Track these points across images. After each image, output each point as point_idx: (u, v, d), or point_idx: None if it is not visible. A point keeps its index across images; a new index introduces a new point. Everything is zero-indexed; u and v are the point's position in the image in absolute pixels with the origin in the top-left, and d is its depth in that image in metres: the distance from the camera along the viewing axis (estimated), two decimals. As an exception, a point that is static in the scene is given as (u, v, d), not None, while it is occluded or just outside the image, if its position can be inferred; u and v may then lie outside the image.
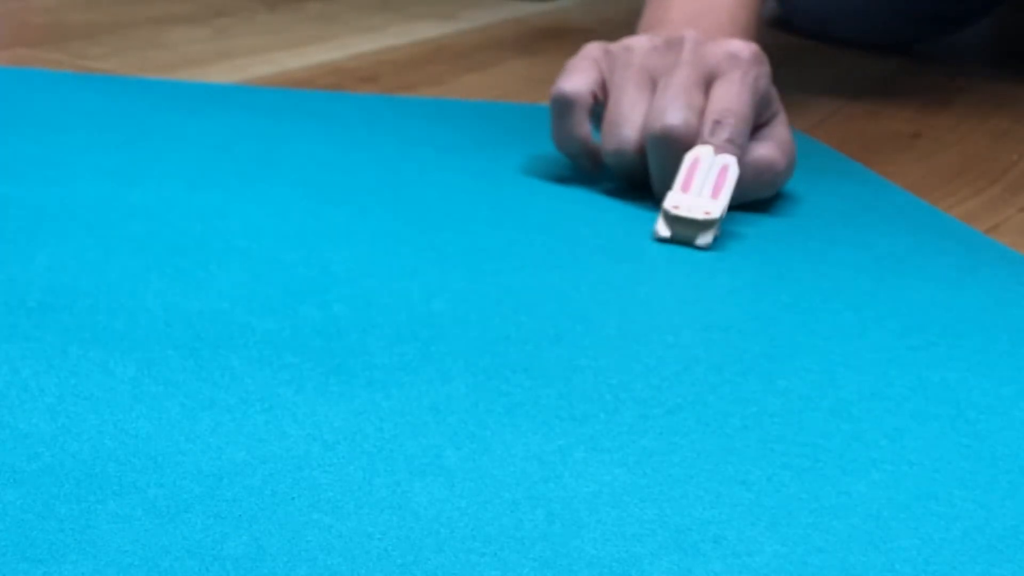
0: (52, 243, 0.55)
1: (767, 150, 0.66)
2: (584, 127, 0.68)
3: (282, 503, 0.38)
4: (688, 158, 0.63)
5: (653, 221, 0.64)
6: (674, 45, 0.67)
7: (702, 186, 0.62)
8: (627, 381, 0.47)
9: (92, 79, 0.81)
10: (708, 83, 0.66)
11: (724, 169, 0.63)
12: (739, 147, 0.64)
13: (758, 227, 0.65)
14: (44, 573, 0.34)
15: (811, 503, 0.41)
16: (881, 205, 0.71)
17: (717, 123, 0.64)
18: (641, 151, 0.65)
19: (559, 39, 1.06)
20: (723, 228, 0.64)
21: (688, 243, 0.62)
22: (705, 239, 0.62)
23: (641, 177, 0.67)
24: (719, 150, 0.63)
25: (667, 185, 0.64)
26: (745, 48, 0.66)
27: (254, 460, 0.40)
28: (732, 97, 0.64)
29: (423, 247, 0.58)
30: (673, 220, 0.62)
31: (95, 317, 0.48)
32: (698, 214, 0.61)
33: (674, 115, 0.64)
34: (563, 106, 0.67)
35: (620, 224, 0.64)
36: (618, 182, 0.69)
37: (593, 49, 0.69)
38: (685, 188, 0.62)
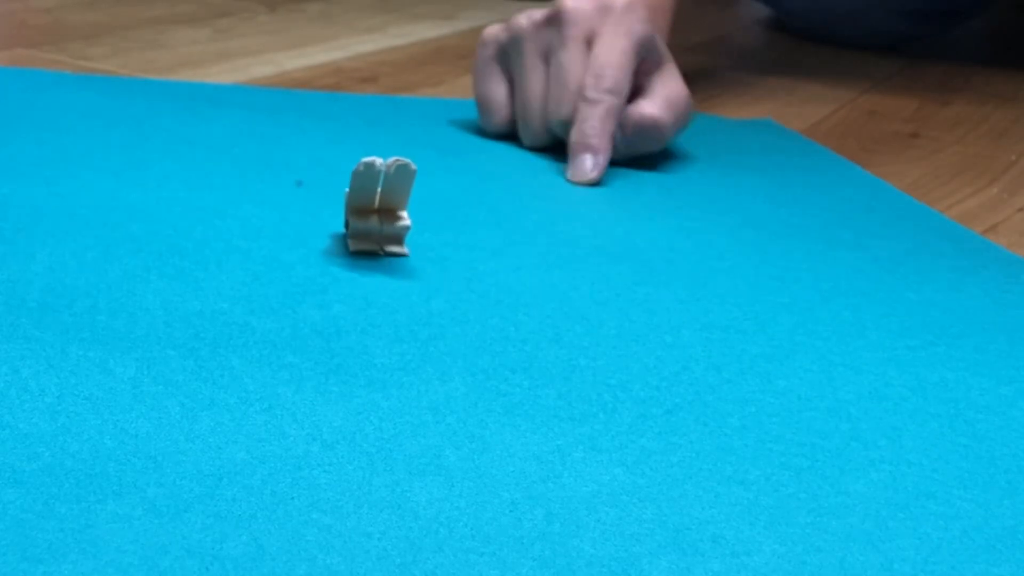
0: (52, 243, 0.55)
1: (652, 108, 0.72)
2: (499, 118, 0.77)
3: (282, 503, 0.38)
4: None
5: (652, 222, 0.64)
6: (554, 19, 0.73)
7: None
8: (626, 381, 0.48)
9: (92, 79, 0.81)
10: (589, 42, 0.72)
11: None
12: (619, 95, 0.70)
13: (757, 227, 0.65)
14: (44, 573, 0.34)
15: (810, 503, 0.41)
16: (879, 207, 0.71)
17: (598, 77, 0.70)
18: (545, 126, 0.74)
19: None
20: (722, 227, 0.64)
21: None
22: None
23: (542, 136, 0.75)
24: (598, 104, 0.69)
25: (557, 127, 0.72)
26: (617, 1, 0.72)
27: (254, 460, 0.40)
28: (607, 50, 0.70)
29: (423, 247, 0.58)
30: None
31: (95, 317, 0.48)
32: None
33: (562, 102, 0.71)
34: (483, 110, 0.77)
35: (620, 224, 0.64)
36: (621, 175, 0.69)
37: (490, 46, 0.76)
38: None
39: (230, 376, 0.45)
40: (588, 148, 0.70)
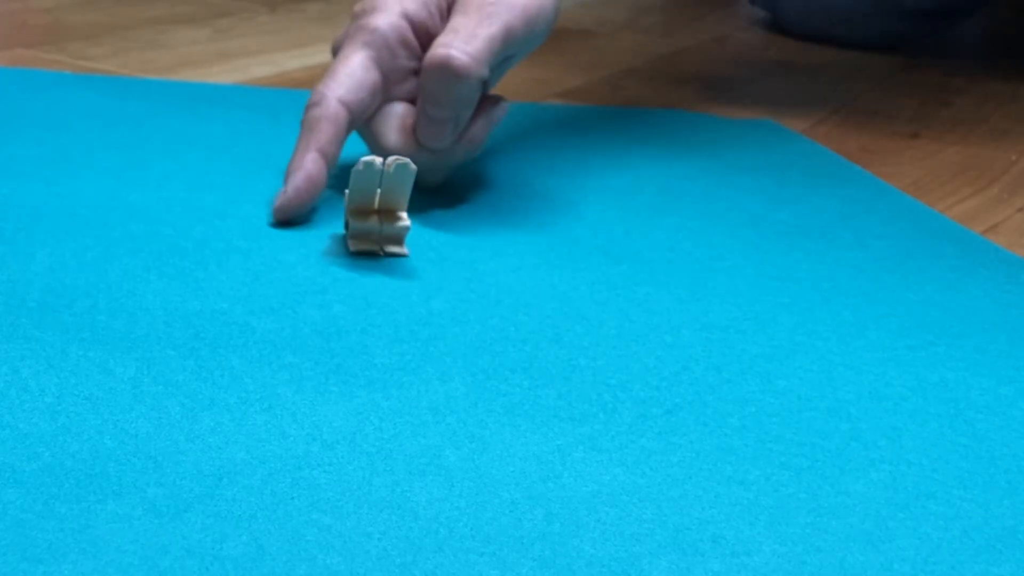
0: (52, 243, 0.55)
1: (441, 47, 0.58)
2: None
3: (282, 503, 0.38)
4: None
5: (652, 222, 0.64)
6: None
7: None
8: (626, 381, 0.48)
9: (92, 79, 0.81)
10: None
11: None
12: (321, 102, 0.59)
13: (758, 227, 0.65)
14: (44, 573, 0.34)
15: (810, 503, 0.41)
16: (879, 207, 0.71)
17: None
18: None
19: (559, 39, 1.06)
20: (722, 228, 0.64)
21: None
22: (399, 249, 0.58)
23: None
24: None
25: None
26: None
27: (254, 460, 0.40)
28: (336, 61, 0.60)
29: (423, 247, 0.58)
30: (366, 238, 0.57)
31: (95, 317, 0.48)
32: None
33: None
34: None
35: (620, 224, 0.64)
36: (621, 174, 0.70)
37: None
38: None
39: (230, 376, 0.45)
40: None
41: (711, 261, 0.60)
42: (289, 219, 0.59)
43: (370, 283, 0.54)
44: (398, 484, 0.39)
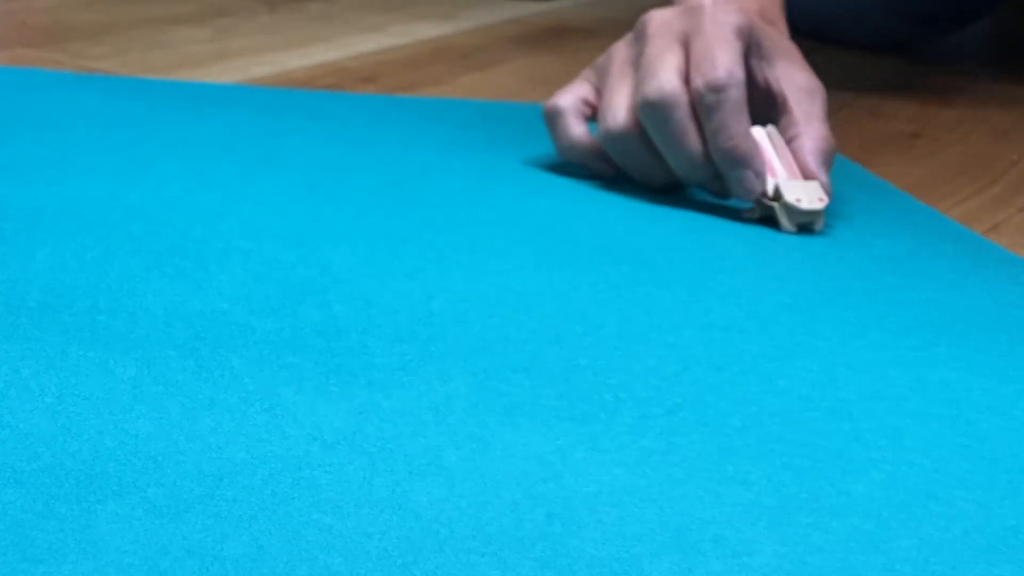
0: (52, 243, 0.55)
1: (821, 129, 0.65)
2: (576, 128, 0.68)
3: (282, 503, 0.38)
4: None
5: (652, 222, 0.64)
6: (641, 31, 0.67)
7: (780, 166, 0.64)
8: (627, 381, 0.47)
9: (92, 79, 0.81)
10: (684, 44, 0.65)
11: (780, 143, 0.65)
12: (738, 83, 0.62)
13: (758, 227, 0.65)
14: (44, 573, 0.34)
15: (811, 503, 0.41)
16: (880, 206, 0.71)
17: (707, 81, 0.62)
18: (635, 129, 0.65)
19: (559, 39, 1.06)
20: (722, 228, 0.64)
21: (807, 231, 0.65)
22: (821, 223, 0.65)
23: (645, 157, 0.66)
24: (720, 105, 0.62)
25: (677, 153, 0.64)
26: (700, 1, 0.65)
27: (254, 460, 0.40)
28: (707, 47, 0.63)
29: (423, 247, 0.58)
30: (802, 213, 0.64)
31: (95, 317, 0.48)
32: (818, 204, 0.64)
33: (651, 82, 0.63)
34: (551, 116, 0.69)
35: (620, 224, 0.64)
36: (620, 174, 0.69)
37: (585, 71, 0.70)
38: (773, 172, 0.64)
39: (230, 376, 0.45)
40: (736, 159, 0.63)
41: (711, 261, 0.60)
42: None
43: (370, 283, 0.54)
44: (399, 484, 0.39)
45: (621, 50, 0.68)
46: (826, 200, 0.64)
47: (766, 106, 0.66)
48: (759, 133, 0.65)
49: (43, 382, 0.43)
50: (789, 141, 0.65)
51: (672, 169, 0.66)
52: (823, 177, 0.65)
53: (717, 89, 0.62)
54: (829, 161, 0.65)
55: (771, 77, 0.66)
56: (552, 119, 0.69)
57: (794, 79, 0.66)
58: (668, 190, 0.68)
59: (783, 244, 0.63)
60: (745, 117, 0.63)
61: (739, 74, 0.63)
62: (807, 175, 0.64)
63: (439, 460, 0.41)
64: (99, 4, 1.05)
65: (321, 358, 0.47)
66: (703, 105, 0.63)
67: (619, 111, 0.65)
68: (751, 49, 0.65)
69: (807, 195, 0.64)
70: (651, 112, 0.64)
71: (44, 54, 0.88)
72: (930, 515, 0.41)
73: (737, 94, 0.63)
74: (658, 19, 0.66)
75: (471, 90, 0.88)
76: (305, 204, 0.62)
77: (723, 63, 0.62)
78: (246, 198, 0.62)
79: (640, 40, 0.66)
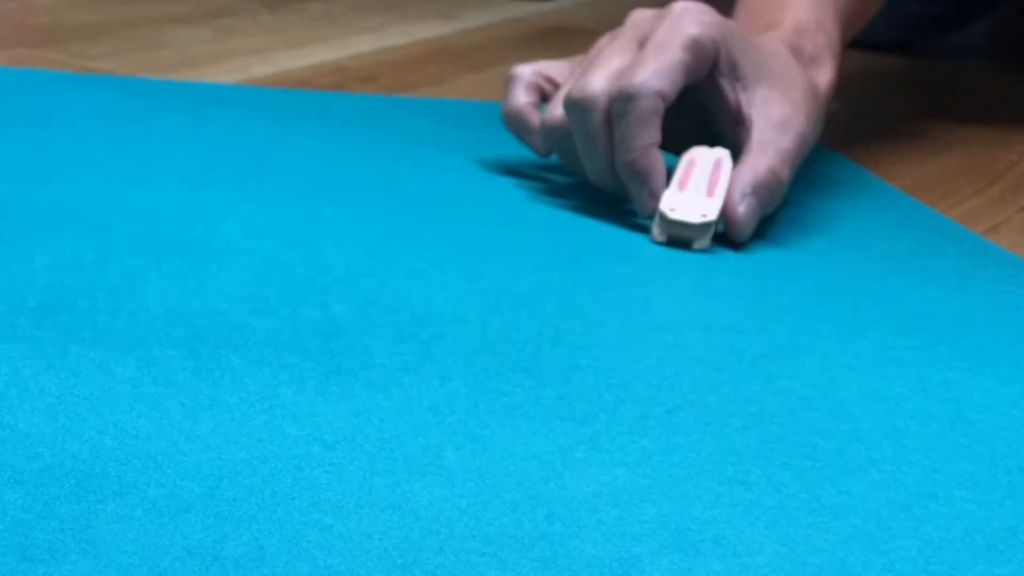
0: (52, 243, 0.55)
1: (766, 161, 0.61)
2: (521, 98, 0.67)
3: (282, 503, 0.38)
4: (684, 159, 0.63)
5: (652, 222, 0.64)
6: (621, 27, 0.65)
7: (697, 184, 0.62)
8: (627, 381, 0.47)
9: (92, 79, 0.81)
10: (640, 48, 0.62)
11: (718, 164, 0.62)
12: (646, 97, 0.59)
13: (757, 227, 0.65)
14: (44, 573, 0.34)
15: (811, 503, 0.41)
16: (880, 207, 0.71)
17: (622, 82, 0.60)
18: (567, 124, 0.63)
19: (559, 39, 1.06)
20: (722, 229, 0.64)
21: (685, 246, 0.61)
22: (702, 243, 0.61)
23: (573, 154, 0.65)
24: (625, 114, 0.59)
25: (585, 157, 0.63)
26: (679, 3, 0.62)
27: (254, 460, 0.40)
28: (650, 50, 0.60)
29: (423, 247, 0.58)
30: (670, 223, 0.61)
31: (95, 317, 0.48)
32: (695, 217, 0.60)
33: (583, 79, 0.61)
34: (505, 80, 0.68)
35: (620, 224, 0.64)
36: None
37: (579, 56, 0.69)
38: (681, 187, 0.62)
39: (230, 376, 0.45)
40: (632, 173, 0.61)
41: (711, 261, 0.60)
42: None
43: (370, 283, 0.54)
44: (399, 484, 0.39)
45: (604, 41, 0.66)
46: (709, 217, 0.60)
47: (736, 129, 0.63)
48: (701, 154, 0.62)
49: (43, 382, 0.43)
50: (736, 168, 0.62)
51: (586, 171, 0.64)
52: (739, 208, 0.60)
53: (627, 98, 0.59)
54: (762, 194, 0.61)
55: (744, 101, 0.63)
56: (505, 83, 0.68)
57: (769, 108, 0.62)
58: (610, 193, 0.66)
59: (783, 244, 0.63)
60: (651, 131, 0.60)
61: (656, 86, 0.59)
62: (728, 202, 0.61)
63: (439, 460, 0.41)
64: (99, 4, 1.05)
65: (321, 358, 0.47)
66: (613, 112, 0.60)
67: (557, 106, 0.64)
68: (721, 68, 0.62)
69: (688, 208, 0.60)
70: (571, 110, 0.62)
71: (44, 54, 0.88)
72: (930, 515, 0.41)
73: (646, 105, 0.59)
74: (636, 17, 0.64)
75: (470, 90, 0.88)
76: (305, 204, 0.62)
77: (644, 72, 0.59)
78: (246, 198, 0.62)
79: (613, 35, 0.65)
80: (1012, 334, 0.55)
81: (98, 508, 0.37)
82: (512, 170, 0.71)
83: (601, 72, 0.61)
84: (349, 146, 0.72)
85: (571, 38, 1.07)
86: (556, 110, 0.64)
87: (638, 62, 0.60)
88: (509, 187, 0.68)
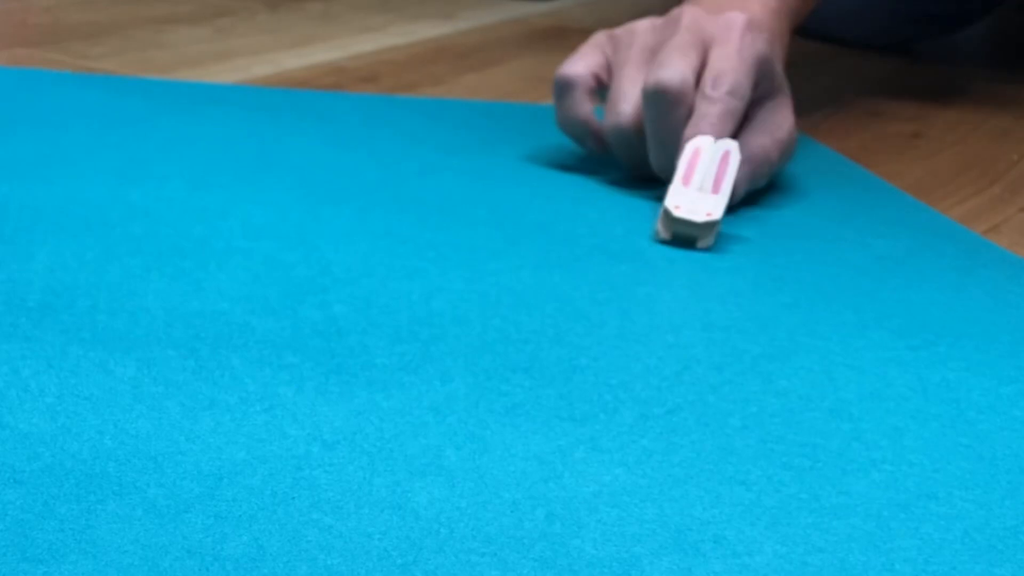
0: (52, 243, 0.55)
1: (761, 139, 0.66)
2: (584, 107, 0.69)
3: (282, 503, 0.38)
4: (689, 149, 0.63)
5: (654, 220, 0.64)
6: (673, 21, 0.67)
7: (703, 179, 0.62)
8: (627, 381, 0.47)
9: (92, 79, 0.81)
10: (705, 50, 0.66)
11: (725, 157, 0.62)
12: (741, 99, 0.64)
13: (758, 227, 0.65)
14: (44, 573, 0.34)
15: (811, 503, 0.41)
16: (880, 206, 0.71)
17: (716, 78, 0.64)
18: (639, 125, 0.66)
19: (559, 39, 1.06)
20: (723, 228, 0.64)
21: (689, 245, 0.61)
22: (706, 241, 0.61)
23: (641, 155, 0.67)
24: (716, 103, 0.63)
25: (662, 150, 0.65)
26: (739, 16, 0.66)
27: (254, 460, 0.40)
28: (727, 59, 0.65)
29: (423, 247, 0.58)
30: (674, 221, 0.61)
31: (95, 317, 0.48)
32: (700, 216, 0.61)
33: (666, 71, 0.64)
34: (563, 87, 0.69)
35: (620, 224, 0.64)
36: (621, 173, 0.69)
37: (599, 36, 0.70)
38: (686, 181, 0.62)
39: (230, 376, 0.45)
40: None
41: (711, 261, 0.60)
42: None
43: (370, 283, 0.54)
44: (399, 484, 0.39)
45: (646, 33, 0.68)
46: (714, 216, 0.61)
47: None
48: (707, 144, 0.63)
49: (43, 382, 0.43)
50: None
51: (652, 160, 0.66)
52: (726, 184, 0.63)
53: (718, 95, 0.64)
54: (753, 165, 0.65)
55: (760, 111, 0.67)
56: (562, 90, 0.69)
57: (776, 113, 0.68)
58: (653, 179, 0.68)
59: (783, 245, 0.63)
60: (730, 123, 0.64)
61: (743, 92, 0.65)
62: (716, 181, 0.63)
63: (439, 460, 0.41)
64: (99, 4, 1.05)
65: (321, 358, 0.47)
66: (702, 95, 0.64)
67: (627, 106, 0.66)
68: (759, 81, 0.66)
69: (694, 206, 0.61)
70: (653, 102, 0.64)
71: (44, 54, 0.88)
72: (930, 515, 0.41)
73: (732, 104, 0.64)
74: (694, 14, 0.67)
75: (471, 90, 0.88)
76: (305, 204, 0.62)
77: (733, 80, 0.64)
78: (246, 198, 0.62)
79: (669, 30, 0.67)
80: (1012, 334, 0.55)
81: (98, 508, 0.37)
82: (512, 170, 0.71)
83: (686, 66, 0.65)
84: (349, 146, 0.72)
85: (571, 38, 1.06)
86: (627, 112, 0.66)
87: (728, 70, 0.64)
88: (509, 187, 0.68)
